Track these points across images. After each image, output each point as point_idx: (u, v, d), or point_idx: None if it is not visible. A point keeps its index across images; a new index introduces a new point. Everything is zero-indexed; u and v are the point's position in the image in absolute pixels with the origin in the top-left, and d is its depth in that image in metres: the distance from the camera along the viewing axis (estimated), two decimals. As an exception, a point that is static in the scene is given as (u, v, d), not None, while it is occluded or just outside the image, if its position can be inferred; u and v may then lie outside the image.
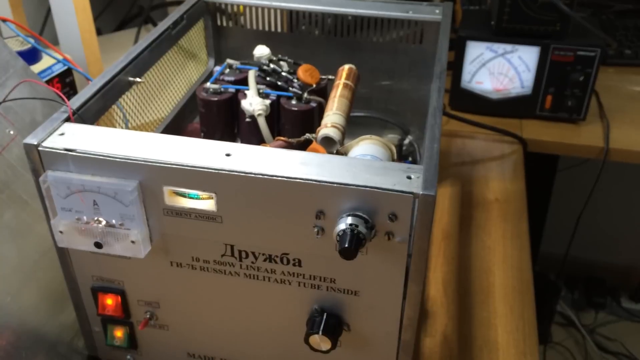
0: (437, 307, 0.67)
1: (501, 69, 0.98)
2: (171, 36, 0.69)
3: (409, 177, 0.44)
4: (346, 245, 0.42)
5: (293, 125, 0.67)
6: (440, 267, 0.73)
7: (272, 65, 0.69)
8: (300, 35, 0.81)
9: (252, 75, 0.68)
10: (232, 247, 0.49)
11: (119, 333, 0.57)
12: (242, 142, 0.70)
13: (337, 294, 0.49)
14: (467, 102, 1.02)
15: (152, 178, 0.46)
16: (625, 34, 1.19)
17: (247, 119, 0.67)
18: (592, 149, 0.95)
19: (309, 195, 0.44)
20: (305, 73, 0.67)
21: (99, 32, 1.28)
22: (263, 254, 0.48)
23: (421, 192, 0.42)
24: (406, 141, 0.82)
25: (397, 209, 0.43)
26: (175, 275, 0.51)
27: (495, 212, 0.82)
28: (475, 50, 0.98)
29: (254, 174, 0.44)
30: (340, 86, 0.65)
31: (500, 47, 0.96)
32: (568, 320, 1.72)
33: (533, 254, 0.76)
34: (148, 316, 0.55)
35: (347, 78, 0.66)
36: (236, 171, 0.45)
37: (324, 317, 0.49)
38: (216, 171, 0.45)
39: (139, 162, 0.46)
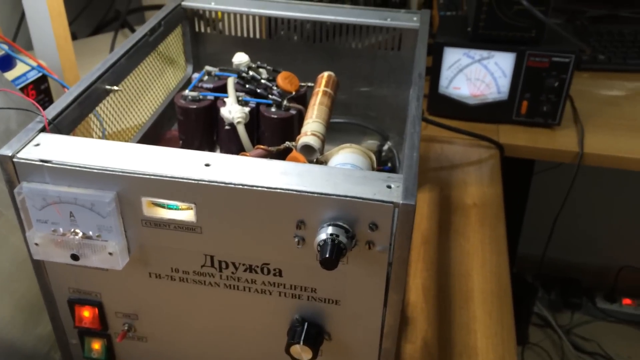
0: (417, 313, 0.68)
1: (478, 74, 0.99)
2: (149, 43, 0.69)
3: (389, 187, 0.44)
4: (327, 256, 0.42)
5: (272, 133, 0.67)
6: (420, 273, 0.73)
7: (251, 73, 0.69)
8: (279, 41, 0.81)
9: (231, 82, 0.68)
10: (212, 257, 0.48)
11: (96, 345, 0.56)
12: (221, 150, 0.70)
13: (318, 304, 0.49)
14: (445, 108, 1.03)
15: (129, 189, 0.46)
16: (598, 39, 1.21)
17: (227, 127, 0.66)
18: (566, 153, 0.96)
19: (290, 205, 0.44)
20: (285, 80, 0.67)
21: (75, 36, 1.26)
22: (243, 264, 0.48)
23: (401, 202, 0.42)
24: (385, 147, 0.82)
25: (378, 219, 0.43)
26: (154, 286, 0.51)
27: (473, 216, 0.83)
28: (453, 56, 0.99)
29: (234, 184, 0.44)
30: (320, 94, 0.65)
31: (477, 53, 0.97)
32: (545, 321, 1.74)
33: (510, 256, 0.77)
34: (126, 328, 0.54)
35: (327, 85, 0.66)
36: (216, 181, 0.44)
37: (305, 326, 0.49)
38: (195, 182, 0.45)
39: (117, 173, 0.45)
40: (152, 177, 0.45)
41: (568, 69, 0.94)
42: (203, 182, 0.45)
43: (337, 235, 0.43)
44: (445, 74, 1.01)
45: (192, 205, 0.46)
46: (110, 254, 0.48)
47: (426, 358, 0.62)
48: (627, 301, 1.74)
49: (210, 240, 0.47)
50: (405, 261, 0.44)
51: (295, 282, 0.48)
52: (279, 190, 0.44)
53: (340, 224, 0.43)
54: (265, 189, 0.44)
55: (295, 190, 0.43)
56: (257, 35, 0.81)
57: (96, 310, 0.53)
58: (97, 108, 0.60)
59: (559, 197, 1.18)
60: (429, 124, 0.99)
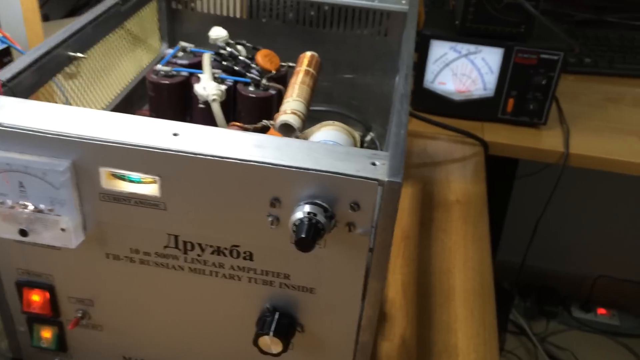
0: (396, 310, 0.64)
1: (464, 70, 0.97)
2: (120, 13, 0.64)
3: (374, 164, 0.40)
4: (303, 236, 0.38)
5: (250, 112, 0.62)
6: (399, 269, 0.70)
7: (228, 49, 0.64)
8: (259, 23, 0.77)
9: (207, 58, 0.63)
10: (176, 237, 0.44)
11: (46, 334, 0.51)
12: (194, 129, 0.65)
13: (291, 291, 0.45)
14: (430, 103, 1.00)
15: (87, 157, 0.41)
16: (585, 43, 1.20)
17: (201, 105, 0.62)
18: (552, 153, 0.94)
19: (264, 181, 0.40)
20: (265, 58, 0.63)
21: (47, 17, 1.20)
22: (210, 246, 0.44)
23: (387, 179, 0.38)
24: (367, 138, 0.79)
25: (360, 197, 0.39)
26: (112, 269, 0.46)
27: (456, 213, 0.80)
28: (439, 50, 0.96)
29: (203, 155, 0.40)
30: (302, 73, 0.61)
31: (464, 48, 0.95)
32: (520, 328, 1.72)
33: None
34: (80, 315, 0.49)
35: (309, 65, 0.63)
36: (183, 152, 0.40)
37: (276, 316, 0.45)
38: (161, 151, 0.40)
39: (73, 139, 0.41)
40: (113, 144, 0.40)
41: (556, 67, 0.92)
42: (169, 152, 0.40)
43: (315, 214, 0.39)
44: (431, 68, 0.98)
45: (157, 178, 0.41)
46: (63, 230, 0.43)
47: (404, 357, 0.59)
48: (602, 311, 1.73)
49: (175, 218, 0.43)
50: (388, 246, 0.41)
51: (267, 267, 0.44)
52: (252, 163, 0.40)
53: (319, 202, 0.40)
54: (238, 162, 0.40)
55: (271, 164, 0.39)
56: (237, 15, 0.77)
57: (47, 294, 0.48)
58: (60, 77, 0.56)
59: (537, 204, 1.16)
60: (413, 118, 0.96)
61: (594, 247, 1.74)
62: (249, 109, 0.62)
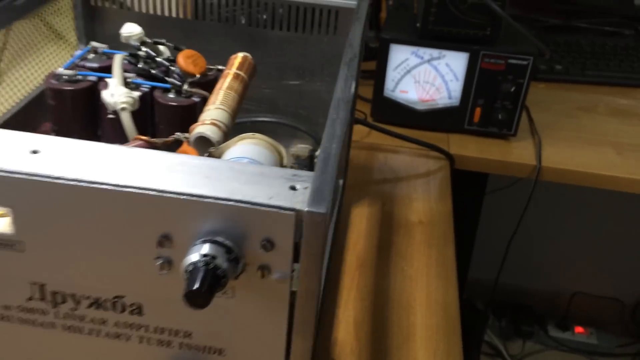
0: (347, 354, 0.55)
1: (427, 77, 0.88)
2: (14, 7, 0.54)
3: (294, 188, 0.31)
4: (195, 287, 0.28)
5: (170, 123, 0.53)
6: (352, 303, 0.60)
7: (144, 49, 0.55)
8: (193, 23, 0.67)
9: (118, 59, 0.53)
10: (41, 287, 0.34)
11: None
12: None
13: (194, 354, 0.35)
14: (391, 113, 0.91)
15: None
16: (555, 49, 1.13)
17: (110, 115, 0.52)
18: (523, 167, 0.86)
19: (149, 213, 0.30)
20: (187, 60, 0.53)
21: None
22: (87, 298, 0.34)
23: (307, 209, 0.29)
24: (318, 152, 0.70)
25: (274, 233, 0.30)
26: (-34, 326, 0.36)
27: (418, 236, 0.71)
28: (400, 55, 0.88)
29: (68, 180, 0.30)
30: (230, 77, 0.52)
31: (427, 53, 0.87)
32: (495, 350, 1.64)
33: (460, 281, 0.65)
34: None
35: (240, 68, 0.53)
36: (41, 175, 0.30)
37: (178, 385, 0.35)
38: (12, 175, 0.30)
39: None
40: (-55, 166, 0.30)
41: (526, 73, 0.84)
42: (24, 176, 0.30)
43: (214, 257, 0.29)
44: (392, 75, 0.89)
45: (9, 210, 0.31)
46: None
47: (354, 415, 0.49)
48: (579, 329, 1.66)
49: (37, 262, 0.33)
50: (314, 294, 0.31)
51: (161, 323, 0.34)
52: (131, 190, 0.30)
53: (221, 240, 0.30)
54: (112, 188, 0.30)
55: (156, 190, 0.30)
56: (181, 15, 0.67)
57: None
58: None
59: (509, 219, 1.08)
60: (372, 130, 0.87)
61: (570, 263, 1.68)
62: (168, 120, 0.52)
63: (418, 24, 0.86)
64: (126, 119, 0.50)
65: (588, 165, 0.86)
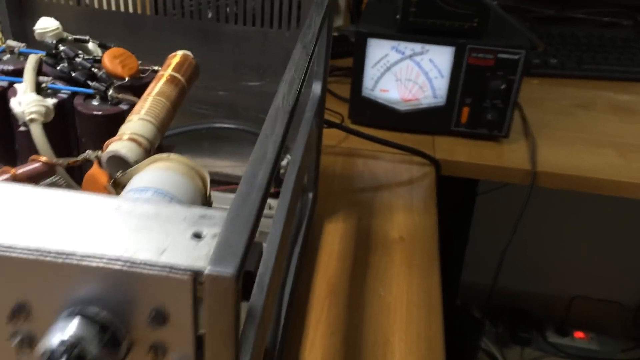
0: (311, 404, 0.46)
1: (410, 74, 0.80)
2: None
3: (198, 236, 0.22)
4: (48, 386, 0.20)
5: (93, 136, 0.44)
6: (321, 339, 0.52)
7: (62, 47, 0.46)
8: (135, 16, 0.59)
9: (31, 61, 0.45)
10: None
11: None
12: (20, 162, 0.47)
13: None
14: (370, 115, 0.83)
15: None
16: (549, 42, 1.05)
17: (21, 128, 0.44)
18: (516, 172, 0.78)
19: (-4, 274, 0.22)
20: (114, 61, 0.45)
21: None
22: None
23: (209, 269, 0.21)
24: (284, 162, 0.62)
25: (166, 301, 0.22)
26: None
27: (398, 255, 0.62)
28: (379, 51, 0.79)
29: None
30: (162, 80, 0.43)
31: (408, 47, 0.78)
32: (492, 357, 1.57)
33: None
34: None
35: (177, 69, 0.45)
36: None
37: None
38: None
39: None
40: None
41: (517, 68, 0.76)
42: None
43: (80, 340, 0.21)
44: (370, 72, 0.81)
45: None
46: None
47: None
48: (579, 334, 1.59)
49: None
50: (229, 381, 0.23)
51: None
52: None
53: (92, 313, 0.22)
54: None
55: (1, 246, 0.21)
56: (105, 6, 0.59)
57: None
58: None
59: (504, 219, 1.00)
60: (349, 134, 0.79)
61: (569, 265, 1.61)
62: (91, 132, 0.44)
63: (398, 16, 0.77)
64: (36, 132, 0.42)
65: (588, 168, 0.78)
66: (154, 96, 0.41)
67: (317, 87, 0.56)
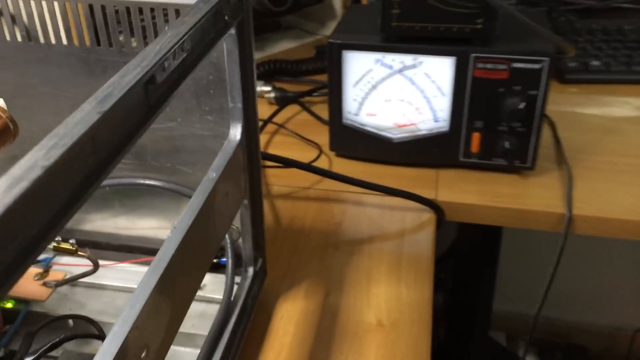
0: None
1: (402, 93, 0.63)
2: None
3: None
4: None
5: None
6: None
7: None
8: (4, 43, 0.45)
9: None
10: None
11: None
12: None
13: None
14: (356, 145, 0.67)
15: None
16: (590, 40, 0.85)
17: None
18: (545, 216, 0.59)
19: None
20: None
21: None
22: None
23: None
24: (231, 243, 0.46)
25: None
26: None
27: (373, 352, 0.45)
28: (360, 66, 0.62)
29: None
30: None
31: (396, 60, 0.61)
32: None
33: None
34: None
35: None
36: None
37: None
38: None
39: None
40: None
41: (540, 81, 0.58)
42: None
43: None
44: (352, 93, 0.64)
45: None
46: None
47: None
48: (645, 376, 1.36)
49: None
50: None
51: None
52: None
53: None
54: None
55: None
56: None
57: None
58: None
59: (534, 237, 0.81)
60: (324, 177, 0.62)
61: (631, 294, 1.38)
62: None
63: (379, 20, 0.60)
64: None
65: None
66: None
67: (235, 127, 0.40)
